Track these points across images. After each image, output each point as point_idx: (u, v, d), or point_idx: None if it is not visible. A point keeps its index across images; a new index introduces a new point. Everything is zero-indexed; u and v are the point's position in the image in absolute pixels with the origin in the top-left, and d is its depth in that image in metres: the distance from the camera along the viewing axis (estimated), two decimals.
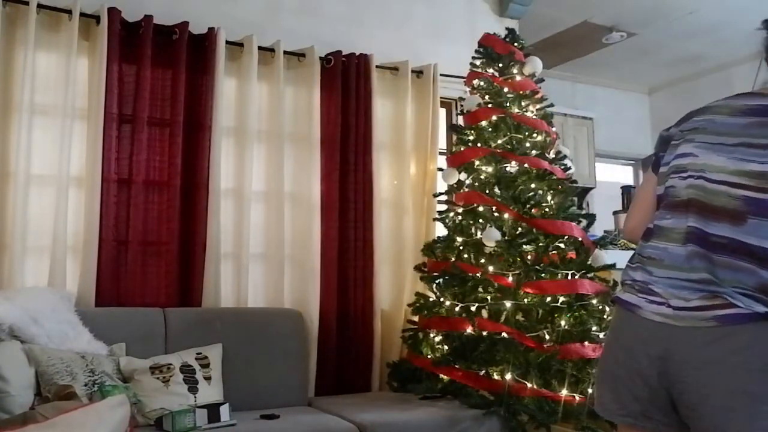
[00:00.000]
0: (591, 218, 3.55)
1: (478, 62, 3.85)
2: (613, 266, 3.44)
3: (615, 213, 5.77)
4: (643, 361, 1.42)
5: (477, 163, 3.65)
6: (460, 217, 3.64)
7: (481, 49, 3.86)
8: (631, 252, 1.58)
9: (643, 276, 1.48)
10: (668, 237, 1.46)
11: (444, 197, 3.81)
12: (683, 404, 1.38)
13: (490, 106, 3.72)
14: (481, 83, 3.81)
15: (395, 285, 4.01)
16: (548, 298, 3.25)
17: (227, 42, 3.65)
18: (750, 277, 1.33)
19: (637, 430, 1.48)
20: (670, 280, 1.42)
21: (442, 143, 4.33)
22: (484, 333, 3.25)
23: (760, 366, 1.31)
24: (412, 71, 4.19)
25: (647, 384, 1.42)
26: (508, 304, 3.26)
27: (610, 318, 3.22)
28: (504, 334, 3.19)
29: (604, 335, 2.79)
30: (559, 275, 3.27)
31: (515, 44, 3.85)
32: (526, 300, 3.26)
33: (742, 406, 1.31)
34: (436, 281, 3.62)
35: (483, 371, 3.20)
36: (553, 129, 3.75)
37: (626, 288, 1.52)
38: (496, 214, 3.49)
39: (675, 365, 1.37)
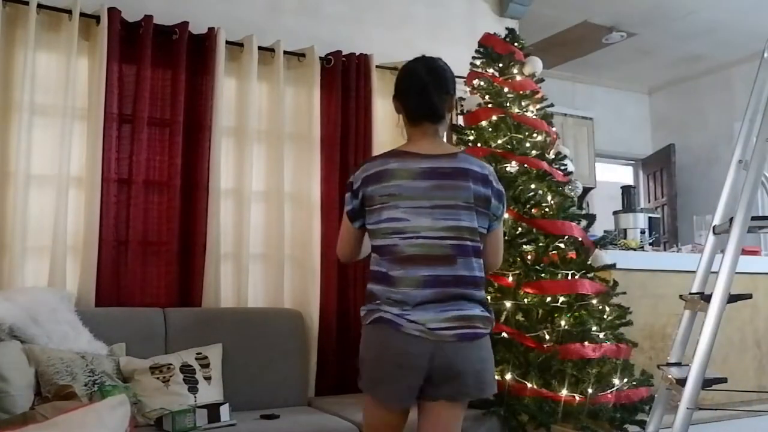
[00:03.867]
0: (591, 218, 3.55)
1: (478, 62, 3.85)
2: (613, 266, 3.44)
3: (615, 213, 5.76)
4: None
5: None
6: None
7: (481, 49, 3.85)
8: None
9: (399, 310, 1.97)
10: (406, 284, 1.97)
11: None
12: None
13: (490, 106, 3.71)
14: (481, 83, 3.80)
15: None
16: (548, 298, 3.25)
17: (227, 42, 3.65)
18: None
19: None
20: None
21: None
22: None
23: None
24: None
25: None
26: (508, 304, 3.26)
27: (611, 318, 3.23)
28: (504, 334, 3.19)
29: None
30: (559, 275, 3.27)
31: (515, 44, 3.85)
32: (526, 300, 3.26)
33: None
34: None
35: None
36: (554, 129, 3.75)
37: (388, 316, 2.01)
38: None
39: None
